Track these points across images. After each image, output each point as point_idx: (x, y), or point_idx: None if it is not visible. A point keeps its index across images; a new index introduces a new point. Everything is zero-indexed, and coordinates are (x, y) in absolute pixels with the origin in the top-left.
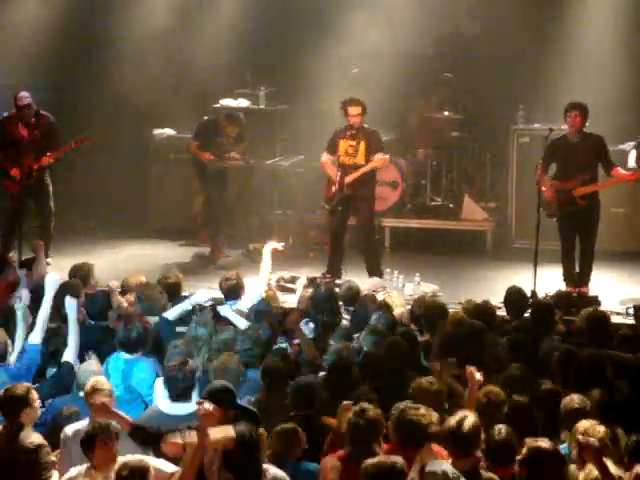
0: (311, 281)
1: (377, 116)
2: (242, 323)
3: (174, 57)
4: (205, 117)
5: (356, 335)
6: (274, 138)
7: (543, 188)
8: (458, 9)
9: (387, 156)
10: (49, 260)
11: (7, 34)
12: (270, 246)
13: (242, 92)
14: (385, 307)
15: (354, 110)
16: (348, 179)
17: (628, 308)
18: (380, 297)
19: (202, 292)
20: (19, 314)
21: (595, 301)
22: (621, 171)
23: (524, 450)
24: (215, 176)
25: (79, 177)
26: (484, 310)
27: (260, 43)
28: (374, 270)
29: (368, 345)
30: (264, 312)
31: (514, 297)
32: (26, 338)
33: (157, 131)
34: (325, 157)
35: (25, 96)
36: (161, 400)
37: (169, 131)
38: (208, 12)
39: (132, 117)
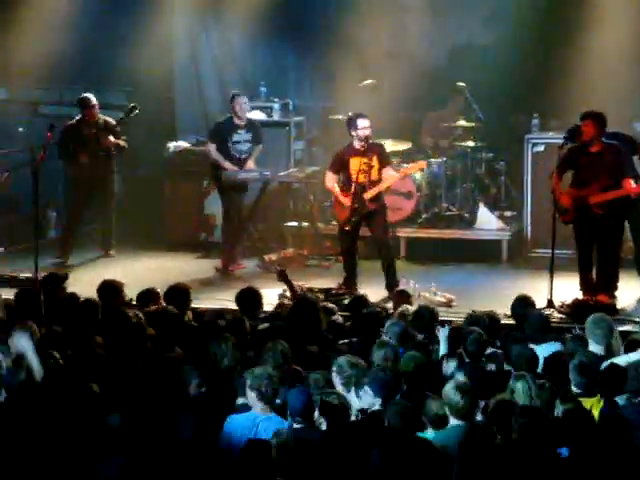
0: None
1: (392, 126)
2: None
3: (186, 71)
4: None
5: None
6: (289, 150)
7: (559, 195)
8: (472, 19)
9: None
10: (112, 252)
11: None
12: None
13: (256, 104)
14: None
15: (365, 122)
16: (368, 195)
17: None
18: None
19: None
20: None
21: (613, 310)
22: (632, 183)
23: None
24: (231, 187)
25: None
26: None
27: (273, 55)
28: (391, 280)
29: (379, 360)
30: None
31: (519, 306)
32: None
33: (171, 144)
34: (330, 180)
35: (91, 97)
36: None
37: (183, 143)
38: (219, 25)
39: (146, 130)
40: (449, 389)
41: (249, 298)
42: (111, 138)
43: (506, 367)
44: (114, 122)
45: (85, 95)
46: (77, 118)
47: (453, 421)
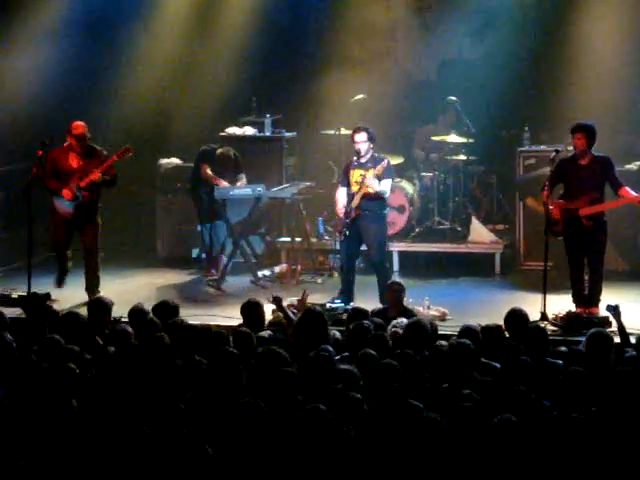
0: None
1: (383, 141)
2: None
3: (180, 86)
4: (205, 146)
5: None
6: (280, 165)
7: (550, 207)
8: (462, 33)
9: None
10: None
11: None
12: None
13: (247, 120)
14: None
15: (359, 137)
16: (354, 203)
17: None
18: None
19: None
20: None
21: (605, 322)
22: (630, 191)
23: None
24: (223, 203)
25: None
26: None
27: (265, 70)
28: (383, 293)
29: None
30: None
31: (514, 319)
32: None
33: (163, 161)
34: (341, 193)
35: (80, 125)
36: None
37: (175, 160)
38: (212, 40)
39: (139, 146)
40: None
41: (253, 310)
42: (97, 172)
43: None
44: (104, 152)
45: (75, 122)
46: (65, 145)
47: None
